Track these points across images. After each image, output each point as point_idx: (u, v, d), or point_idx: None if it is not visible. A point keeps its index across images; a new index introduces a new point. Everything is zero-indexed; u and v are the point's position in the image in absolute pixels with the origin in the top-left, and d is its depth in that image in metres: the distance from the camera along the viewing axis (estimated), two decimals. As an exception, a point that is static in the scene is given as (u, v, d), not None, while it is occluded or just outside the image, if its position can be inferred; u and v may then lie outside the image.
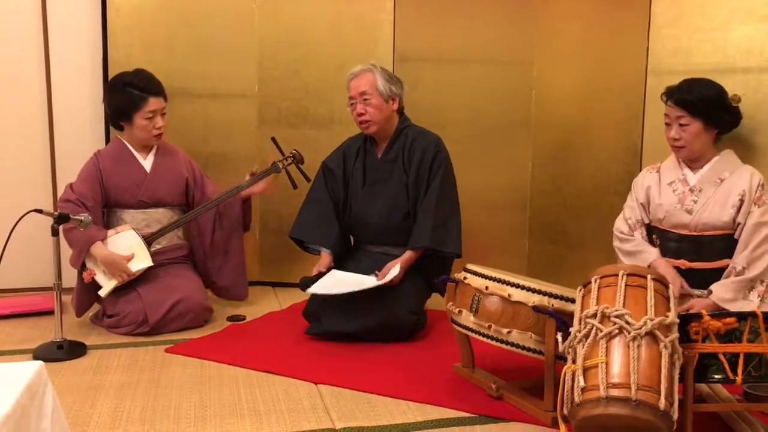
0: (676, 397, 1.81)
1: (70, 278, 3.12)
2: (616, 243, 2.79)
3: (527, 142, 3.63)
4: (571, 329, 1.97)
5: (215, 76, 3.61)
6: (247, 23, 3.61)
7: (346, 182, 3.16)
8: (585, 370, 1.83)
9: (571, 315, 2.05)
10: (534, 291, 2.20)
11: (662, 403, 1.74)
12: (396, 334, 2.86)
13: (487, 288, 2.27)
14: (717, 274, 2.54)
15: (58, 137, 3.55)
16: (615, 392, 1.76)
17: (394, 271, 2.89)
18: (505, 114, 3.63)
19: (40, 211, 2.72)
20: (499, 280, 2.27)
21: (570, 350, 1.93)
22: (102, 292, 2.99)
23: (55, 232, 2.72)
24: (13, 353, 2.74)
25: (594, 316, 1.90)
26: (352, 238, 3.25)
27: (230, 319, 3.19)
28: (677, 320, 1.90)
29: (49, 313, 2.89)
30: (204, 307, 3.10)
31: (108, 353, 2.76)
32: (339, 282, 2.91)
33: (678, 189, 2.65)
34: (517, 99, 3.62)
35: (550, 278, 2.78)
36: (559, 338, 2.05)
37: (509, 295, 2.22)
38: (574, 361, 1.89)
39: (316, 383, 2.47)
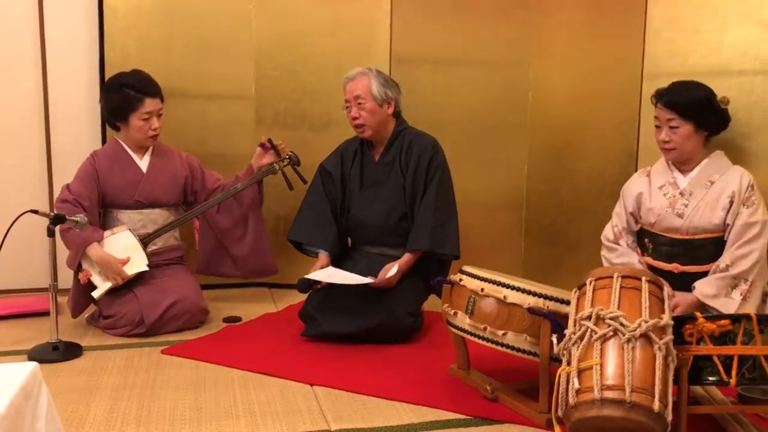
0: (671, 399, 1.81)
1: (66, 279, 3.11)
2: (603, 252, 2.80)
3: (524, 143, 3.63)
4: (566, 331, 1.97)
5: (212, 76, 3.61)
6: (245, 24, 3.61)
7: (344, 184, 3.16)
8: (580, 372, 1.83)
9: (566, 317, 2.05)
10: (529, 293, 2.21)
11: (656, 405, 1.74)
12: (393, 336, 2.86)
13: (482, 290, 2.28)
14: (710, 278, 2.56)
15: (54, 138, 3.55)
16: (609, 394, 1.76)
17: (391, 272, 2.90)
18: (501, 115, 3.63)
19: (36, 212, 2.72)
20: (494, 282, 2.27)
21: (565, 352, 1.94)
22: (95, 294, 2.98)
23: (50, 233, 2.71)
24: (8, 354, 2.74)
25: (589, 318, 1.90)
26: (349, 240, 3.26)
27: (226, 320, 3.19)
28: (672, 322, 1.90)
29: (45, 314, 2.89)
30: (200, 308, 3.10)
31: (103, 354, 2.76)
32: (336, 276, 2.92)
33: (668, 193, 2.65)
34: (513, 101, 3.62)
35: (545, 279, 2.78)
36: (554, 340, 2.05)
37: (504, 297, 2.22)
38: (568, 363, 1.89)
39: (311, 385, 2.47)
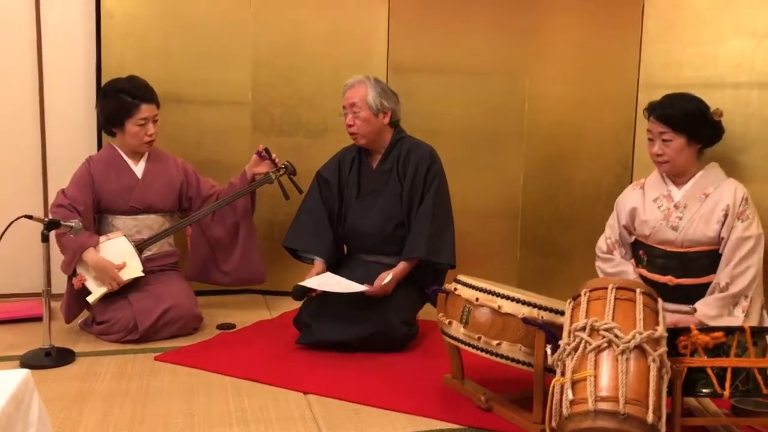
0: (664, 410, 1.82)
1: (59, 284, 3.10)
2: (597, 263, 2.81)
3: (520, 152, 3.64)
4: (560, 342, 1.97)
5: (209, 82, 3.61)
6: (242, 30, 3.61)
7: (341, 192, 3.16)
8: (574, 383, 1.83)
9: (560, 327, 2.05)
10: (524, 303, 2.21)
11: (650, 417, 1.74)
12: (388, 345, 2.85)
13: (477, 299, 2.28)
14: (704, 290, 2.55)
15: (50, 143, 3.54)
16: (603, 405, 1.76)
17: (386, 280, 2.89)
18: (497, 124, 3.64)
19: (30, 217, 2.71)
20: (489, 292, 2.27)
21: (559, 363, 1.94)
22: (90, 299, 2.97)
23: (45, 239, 2.70)
24: (0, 360, 2.72)
25: (583, 329, 1.90)
26: (345, 247, 3.25)
27: (220, 327, 3.18)
28: (666, 334, 1.91)
29: (38, 319, 2.87)
30: (194, 315, 3.09)
31: (96, 361, 2.74)
32: (332, 283, 2.91)
33: (663, 205, 2.66)
34: (510, 109, 3.63)
35: (540, 288, 2.79)
36: (549, 351, 2.05)
37: (499, 307, 2.22)
38: (563, 374, 1.89)
39: (305, 393, 2.46)
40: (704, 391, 1.99)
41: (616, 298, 1.95)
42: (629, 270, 2.69)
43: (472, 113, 3.65)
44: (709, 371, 1.97)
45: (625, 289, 1.99)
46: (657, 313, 1.97)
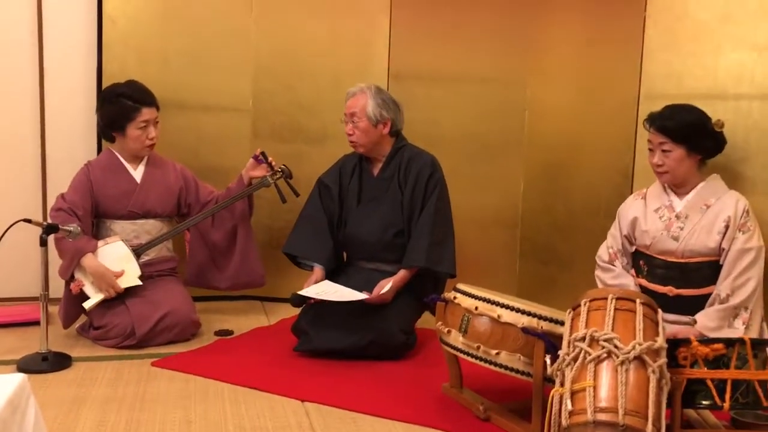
0: (664, 422, 1.81)
1: (57, 289, 3.09)
2: (597, 272, 2.80)
3: (519, 161, 3.64)
4: (559, 352, 1.96)
5: (209, 89, 3.61)
6: (243, 37, 3.62)
7: (342, 199, 3.16)
8: (573, 394, 1.83)
9: (560, 337, 2.05)
10: (523, 312, 2.20)
11: (649, 428, 1.74)
12: (386, 353, 2.84)
13: (476, 308, 2.27)
14: (704, 301, 2.55)
15: (49, 147, 3.53)
16: (602, 416, 1.76)
17: (385, 288, 2.88)
18: (497, 133, 3.65)
19: (29, 221, 2.71)
20: (488, 301, 2.27)
21: (558, 373, 1.93)
22: (87, 304, 2.95)
23: (43, 243, 2.70)
24: (-3, 364, 2.72)
25: (583, 339, 1.90)
26: (345, 255, 3.25)
27: (218, 333, 3.16)
28: (666, 345, 1.90)
29: (36, 323, 2.87)
30: (191, 321, 3.08)
31: (93, 366, 2.73)
32: (330, 291, 2.90)
33: (664, 216, 2.65)
34: (510, 118, 3.63)
35: (539, 297, 2.78)
36: (548, 361, 2.04)
37: (499, 316, 2.21)
38: (562, 384, 1.88)
39: (302, 400, 2.45)
40: (704, 402, 1.98)
41: (616, 309, 1.95)
42: (629, 282, 2.69)
43: (473, 122, 3.65)
44: (709, 383, 1.97)
45: (625, 299, 1.98)
46: (657, 323, 1.96)
